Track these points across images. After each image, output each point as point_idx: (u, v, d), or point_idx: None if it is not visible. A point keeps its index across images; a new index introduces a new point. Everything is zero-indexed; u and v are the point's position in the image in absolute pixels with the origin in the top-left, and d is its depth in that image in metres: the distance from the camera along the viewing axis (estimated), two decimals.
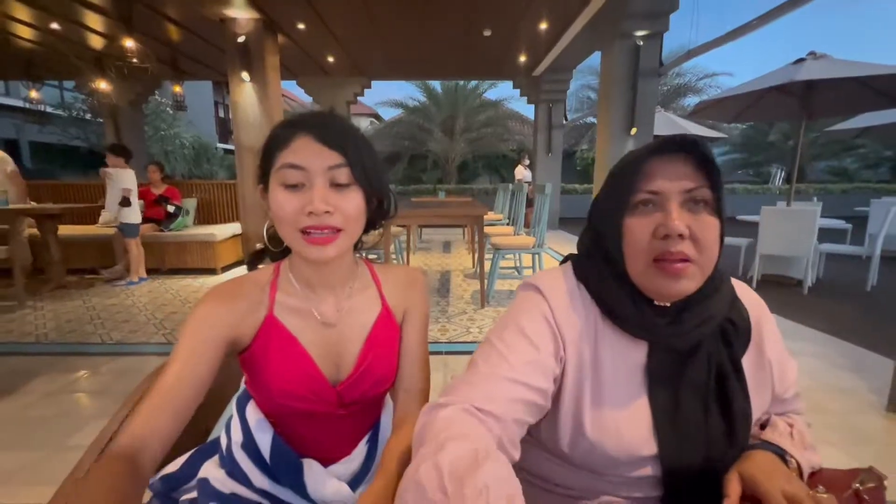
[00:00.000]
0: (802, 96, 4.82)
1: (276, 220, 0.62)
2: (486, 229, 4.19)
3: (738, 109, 5.54)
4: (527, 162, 9.11)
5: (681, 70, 12.53)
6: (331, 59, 6.49)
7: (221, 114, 22.20)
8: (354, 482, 0.70)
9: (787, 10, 3.78)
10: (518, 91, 8.56)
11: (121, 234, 4.03)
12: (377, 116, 20.90)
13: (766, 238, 4.50)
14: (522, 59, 6.73)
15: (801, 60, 4.72)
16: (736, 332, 0.61)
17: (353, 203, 0.62)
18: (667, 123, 7.54)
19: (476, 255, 4.55)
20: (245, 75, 4.71)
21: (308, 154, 0.60)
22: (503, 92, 16.32)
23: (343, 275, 0.70)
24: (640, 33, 4.53)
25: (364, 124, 17.37)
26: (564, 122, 8.62)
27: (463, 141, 12.96)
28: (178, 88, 6.05)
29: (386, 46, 6.05)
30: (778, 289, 4.45)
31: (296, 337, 0.66)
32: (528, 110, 9.13)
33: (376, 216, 0.69)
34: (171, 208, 4.56)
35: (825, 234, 5.92)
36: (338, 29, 5.23)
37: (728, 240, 5.06)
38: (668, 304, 0.58)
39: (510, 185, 5.38)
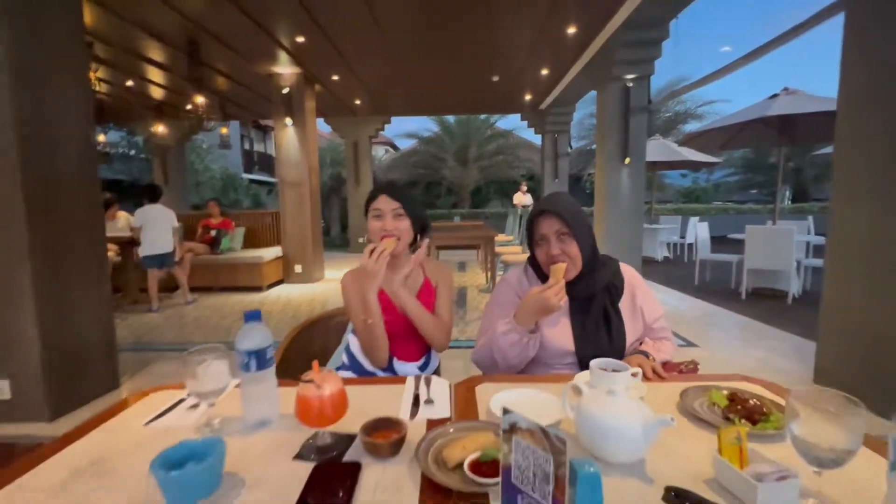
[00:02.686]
0: (780, 127, 5.39)
1: (370, 234, 1.25)
2: (497, 249, 4.78)
3: (724, 139, 6.13)
4: (524, 188, 9.84)
5: (681, 98, 13.23)
6: (357, 102, 7.33)
7: (247, 146, 23.61)
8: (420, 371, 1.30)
9: (769, 49, 4.19)
10: (526, 122, 9.30)
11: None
12: (393, 146, 22.03)
13: (751, 254, 5.00)
14: (528, 97, 7.48)
15: (775, 96, 5.32)
16: (616, 289, 1.20)
17: (404, 225, 1.24)
18: (664, 150, 8.14)
19: (489, 273, 5.13)
20: (288, 120, 5.50)
21: (383, 203, 1.24)
22: (512, 122, 17.18)
23: (401, 263, 1.30)
24: (628, 77, 5.19)
25: (380, 153, 18.35)
26: (569, 150, 9.30)
27: (475, 168, 13.75)
28: (224, 130, 6.91)
29: (406, 90, 6.85)
30: (767, 300, 4.90)
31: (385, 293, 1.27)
32: (536, 137, 9.86)
33: (421, 233, 1.31)
34: (213, 233, 5.30)
35: (819, 250, 6.35)
36: (365, 77, 6.03)
37: (720, 256, 5.57)
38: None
39: (518, 210, 6.00)
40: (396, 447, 0.73)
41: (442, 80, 6.28)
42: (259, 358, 0.83)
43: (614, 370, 0.77)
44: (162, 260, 4.35)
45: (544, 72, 5.99)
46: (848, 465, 0.57)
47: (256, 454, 0.75)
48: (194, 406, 0.94)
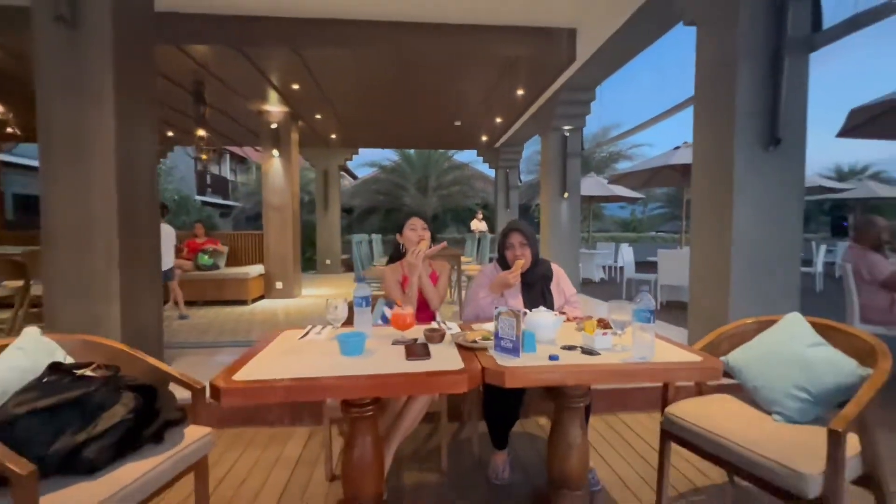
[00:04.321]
0: (682, 171, 6.78)
1: (408, 242, 2.07)
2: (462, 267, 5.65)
3: (643, 180, 7.49)
4: (480, 216, 10.96)
5: (615, 144, 15.20)
6: (333, 136, 8.10)
7: (200, 168, 23.33)
8: None
9: (677, 110, 5.44)
10: (481, 158, 10.45)
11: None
12: (351, 174, 22.76)
13: (663, 273, 6.20)
14: (484, 137, 8.61)
15: (677, 148, 6.73)
16: (548, 277, 2.08)
17: (427, 236, 2.08)
18: (598, 186, 9.53)
19: (456, 287, 5.97)
20: (275, 152, 6.17)
21: (416, 223, 2.08)
22: (468, 156, 18.55)
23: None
24: (566, 127, 6.38)
25: (344, 183, 19.00)
26: (519, 183, 10.51)
27: (434, 197, 14.79)
28: (205, 156, 7.38)
29: (379, 127, 7.73)
30: (676, 308, 6.07)
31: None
32: (490, 170, 11.04)
33: (433, 243, 2.16)
34: (207, 249, 5.82)
35: None
36: (344, 117, 6.84)
37: (642, 275, 6.74)
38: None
39: (476, 235, 6.95)
40: (442, 336, 1.53)
41: (411, 121, 7.23)
42: (366, 301, 1.61)
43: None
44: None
45: (498, 120, 7.11)
46: (628, 330, 1.44)
47: (372, 344, 1.52)
48: (318, 332, 1.68)
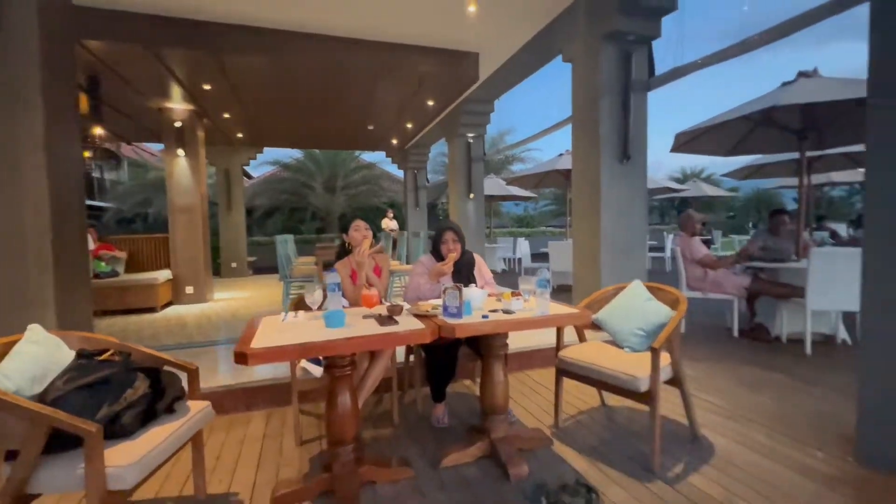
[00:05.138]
0: (566, 174, 7.99)
1: (353, 241, 2.50)
2: None
3: (534, 182, 8.62)
4: (391, 215, 11.43)
5: (509, 144, 16.72)
6: (239, 135, 7.87)
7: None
8: None
9: (561, 126, 6.47)
10: (390, 159, 10.86)
11: None
12: (247, 173, 21.45)
13: (553, 261, 7.30)
14: (394, 140, 9.05)
15: (561, 155, 7.92)
16: (472, 264, 2.66)
17: (370, 235, 2.54)
18: (498, 186, 10.59)
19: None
20: (180, 151, 5.92)
21: (360, 225, 2.52)
22: (377, 156, 18.73)
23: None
24: (469, 135, 7.13)
25: (246, 182, 17.87)
26: (427, 183, 11.15)
27: (343, 196, 14.80)
28: (87, 154, 6.69)
29: (291, 128, 7.72)
30: (564, 292, 7.19)
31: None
32: (398, 170, 11.50)
33: (374, 241, 2.62)
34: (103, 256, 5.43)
35: None
36: (256, 117, 6.77)
37: (536, 264, 7.78)
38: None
39: (387, 233, 7.40)
40: (401, 310, 2.01)
41: (325, 123, 7.39)
42: (337, 286, 2.02)
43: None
44: None
45: (409, 125, 7.63)
46: (532, 298, 2.07)
47: (347, 320, 1.94)
48: (295, 316, 2.04)
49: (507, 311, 2.02)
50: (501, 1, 3.99)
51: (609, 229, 3.80)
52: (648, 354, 2.04)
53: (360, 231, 2.61)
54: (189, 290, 6.03)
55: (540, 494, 1.79)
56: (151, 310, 5.48)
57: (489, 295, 2.42)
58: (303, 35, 4.38)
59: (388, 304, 2.08)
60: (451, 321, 1.85)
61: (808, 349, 3.57)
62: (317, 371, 2.30)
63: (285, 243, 5.62)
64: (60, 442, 1.33)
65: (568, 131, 4.56)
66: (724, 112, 4.04)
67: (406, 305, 2.18)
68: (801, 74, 3.94)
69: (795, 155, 4.55)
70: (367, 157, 16.01)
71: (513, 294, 2.21)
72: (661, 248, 10.61)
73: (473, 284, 2.33)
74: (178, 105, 5.80)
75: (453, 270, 2.56)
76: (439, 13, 4.14)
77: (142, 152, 16.66)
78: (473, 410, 2.74)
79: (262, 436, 2.50)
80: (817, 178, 8.73)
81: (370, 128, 7.58)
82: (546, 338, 3.36)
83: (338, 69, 4.88)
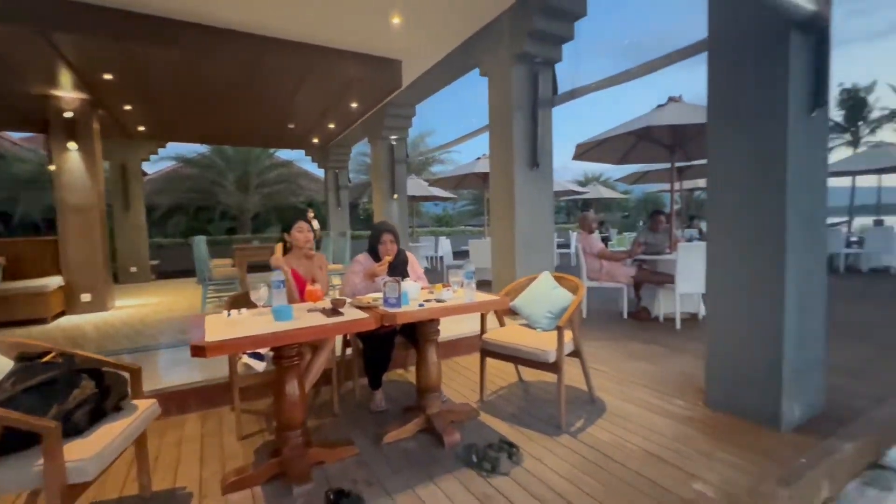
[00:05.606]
0: (484, 177, 8.55)
1: (296, 241, 2.63)
2: None
3: (455, 182, 9.08)
4: (312, 214, 11.23)
5: (428, 146, 17.15)
6: (141, 128, 7.23)
7: None
8: None
9: (479, 133, 6.90)
10: (310, 157, 10.63)
11: None
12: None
13: (473, 258, 7.79)
14: (315, 139, 8.93)
15: (478, 158, 8.46)
16: (406, 262, 2.91)
17: (311, 237, 2.69)
18: (419, 187, 10.91)
19: None
20: (72, 145, 5.35)
21: (303, 226, 2.66)
22: (295, 154, 18.01)
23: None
24: (392, 137, 7.34)
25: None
26: (349, 183, 11.11)
27: (257, 195, 14.08)
28: None
29: (200, 123, 7.27)
30: (484, 287, 7.70)
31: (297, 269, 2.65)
32: (317, 168, 11.28)
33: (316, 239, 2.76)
34: None
35: None
36: (163, 111, 6.30)
37: (458, 262, 8.22)
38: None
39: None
40: (343, 303, 2.21)
41: (242, 120, 7.10)
42: (282, 283, 2.15)
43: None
44: None
45: (332, 125, 7.62)
46: (459, 290, 2.39)
47: (294, 312, 2.09)
48: (239, 313, 2.13)
49: (439, 301, 2.31)
50: (424, 15, 4.28)
51: (523, 228, 4.28)
52: (556, 333, 2.46)
53: (303, 232, 2.72)
54: (86, 297, 5.47)
55: (470, 453, 2.11)
56: (41, 321, 4.90)
57: (422, 288, 2.69)
58: (224, 31, 4.27)
59: (334, 297, 2.26)
60: (392, 310, 2.09)
61: (678, 325, 4.38)
62: (259, 366, 2.39)
63: (201, 245, 5.37)
64: (11, 443, 1.35)
65: (484, 136, 5.01)
66: (614, 128, 4.76)
67: (348, 300, 2.37)
68: (671, 99, 4.77)
69: (668, 165, 5.47)
70: (284, 154, 15.40)
71: (444, 286, 2.51)
72: (567, 245, 11.72)
73: (408, 279, 2.59)
74: (69, 93, 5.24)
75: (390, 267, 2.79)
76: (366, 21, 4.31)
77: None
78: (408, 394, 3.00)
79: (199, 436, 2.52)
80: (689, 184, 10.32)
81: (291, 126, 7.44)
82: (470, 326, 3.73)
83: (260, 67, 4.81)
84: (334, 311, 2.12)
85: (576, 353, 2.68)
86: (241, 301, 2.45)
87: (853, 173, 9.71)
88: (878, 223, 8.74)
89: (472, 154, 8.84)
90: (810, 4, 2.00)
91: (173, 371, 3.14)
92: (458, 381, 3.22)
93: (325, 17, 4.19)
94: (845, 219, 11.99)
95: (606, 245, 9.59)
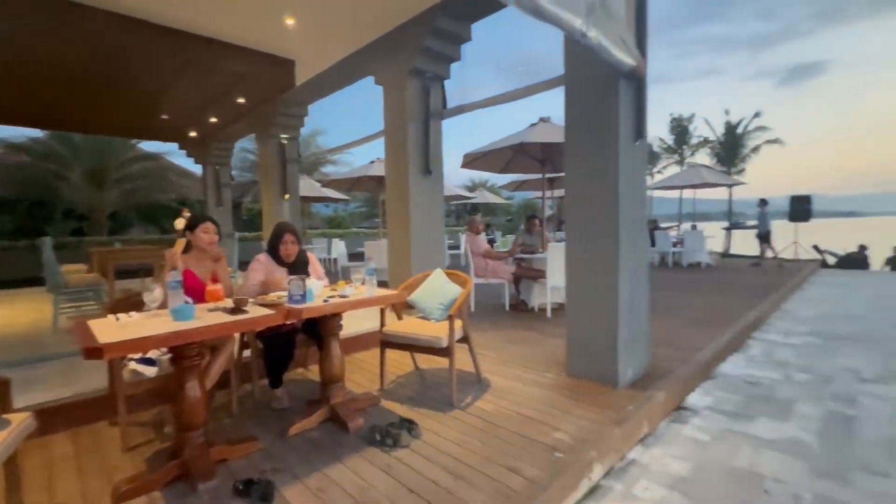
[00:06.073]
0: (378, 180, 8.72)
1: (200, 242, 2.57)
2: None
3: (348, 185, 9.10)
4: (187, 214, 10.29)
5: (320, 147, 16.69)
6: None
7: None
8: None
9: (375, 138, 7.02)
10: (185, 151, 9.67)
11: None
12: None
13: (369, 257, 7.92)
14: (193, 133, 8.18)
15: (372, 162, 8.62)
16: (306, 262, 3.01)
17: (216, 240, 2.65)
18: (312, 188, 10.64)
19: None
20: None
21: (209, 227, 2.61)
22: (167, 146, 16.03)
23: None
24: (283, 136, 7.13)
25: None
26: (231, 181, 10.35)
27: (116, 190, 12.23)
28: None
29: (45, 105, 6.19)
30: (382, 286, 7.88)
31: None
32: (192, 165, 10.28)
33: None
34: None
35: None
36: None
37: (354, 263, 8.26)
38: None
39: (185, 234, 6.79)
40: (246, 302, 2.26)
41: (96, 105, 6.23)
42: (179, 283, 2.13)
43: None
44: None
45: (213, 119, 7.10)
46: (360, 287, 2.60)
47: (195, 312, 2.08)
48: (130, 316, 2.05)
49: (342, 296, 2.48)
50: (318, 20, 4.35)
51: (417, 230, 4.60)
52: (447, 322, 2.80)
53: (209, 233, 2.65)
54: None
55: (374, 433, 2.33)
56: None
57: (325, 286, 2.83)
58: (74, 5, 3.81)
59: (235, 297, 2.28)
60: (297, 306, 2.21)
61: (549, 313, 5.11)
62: (150, 371, 2.30)
63: (48, 248, 4.66)
64: None
65: (379, 141, 5.22)
66: (496, 141, 5.36)
67: (250, 299, 2.41)
68: (542, 120, 5.54)
69: (540, 175, 6.30)
70: (152, 147, 13.62)
71: (346, 283, 2.68)
72: (458, 246, 12.46)
73: (310, 278, 2.70)
74: None
75: (291, 268, 2.86)
76: (259, 18, 4.23)
77: None
78: (310, 391, 3.09)
79: (73, 454, 2.31)
80: (559, 192, 11.77)
81: (164, 117, 6.75)
82: (371, 323, 3.92)
83: (125, 51, 4.37)
84: (237, 310, 2.16)
85: (465, 340, 3.07)
86: (124, 306, 2.32)
87: (680, 187, 12.09)
88: (693, 227, 11.01)
89: (364, 154, 8.99)
90: (630, 61, 2.64)
91: (28, 390, 2.77)
92: (359, 375, 3.39)
93: (214, 9, 4.01)
94: (675, 223, 14.76)
95: (492, 246, 10.48)
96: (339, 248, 8.96)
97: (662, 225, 12.17)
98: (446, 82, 4.78)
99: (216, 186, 9.77)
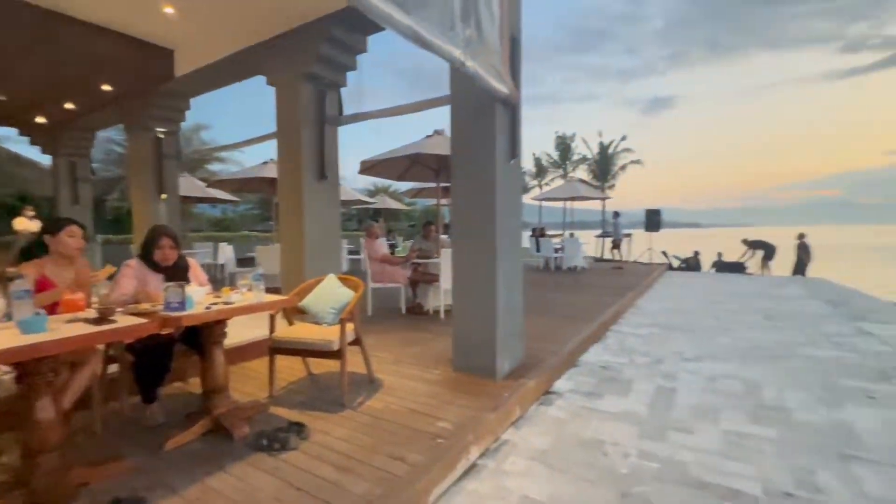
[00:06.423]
0: (270, 182, 8.33)
1: (65, 248, 2.31)
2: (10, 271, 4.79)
3: (236, 186, 8.55)
4: (30, 213, 8.80)
5: (206, 142, 15.28)
6: None
7: None
8: None
9: (267, 139, 6.66)
10: (28, 138, 8.19)
11: None
12: None
13: (262, 265, 7.52)
14: (41, 119, 6.99)
15: (265, 163, 8.22)
16: (187, 268, 2.85)
17: (83, 244, 2.42)
18: (195, 187, 9.74)
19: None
20: None
21: (76, 231, 2.36)
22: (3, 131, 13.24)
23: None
24: (159, 129, 6.48)
25: None
26: (91, 176, 9.03)
27: None
28: None
29: None
30: (274, 293, 7.52)
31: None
32: (42, 155, 8.74)
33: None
34: None
35: None
36: None
37: (243, 269, 7.76)
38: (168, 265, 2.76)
39: (23, 237, 5.81)
40: (112, 311, 2.11)
41: None
42: (28, 293, 1.92)
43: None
44: None
45: (69, 105, 6.17)
46: (247, 293, 2.57)
47: (50, 324, 1.89)
48: None
49: (227, 304, 2.43)
50: (201, 10, 4.12)
51: (311, 235, 4.58)
52: (339, 326, 2.89)
53: (75, 237, 2.39)
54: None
55: (260, 438, 2.33)
56: None
57: (208, 293, 2.73)
58: None
59: (97, 307, 2.11)
60: (176, 314, 2.13)
61: (443, 315, 5.42)
62: None
63: None
64: None
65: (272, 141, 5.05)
66: (392, 150, 5.55)
67: (118, 308, 2.24)
68: (436, 132, 5.87)
69: (435, 184, 6.64)
70: None
71: (231, 289, 2.63)
72: (358, 252, 12.36)
73: (191, 285, 2.58)
74: None
75: (168, 274, 2.70)
76: (130, 1, 3.86)
77: None
78: (190, 405, 2.92)
79: None
80: None
81: (2, 98, 5.69)
82: (262, 332, 3.80)
83: None
84: (102, 319, 2.02)
85: (357, 342, 3.17)
86: None
87: (560, 199, 13.50)
88: (571, 235, 12.39)
89: (256, 155, 8.53)
90: (504, 89, 3.02)
91: None
92: (248, 384, 3.29)
93: None
94: (560, 232, 16.41)
95: (394, 251, 10.62)
96: (226, 252, 8.34)
97: (549, 233, 13.48)
98: (350, 87, 4.84)
99: (71, 181, 8.45)
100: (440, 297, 5.43)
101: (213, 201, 10.86)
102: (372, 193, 22.43)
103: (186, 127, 15.12)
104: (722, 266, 12.88)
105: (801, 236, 12.75)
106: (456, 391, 3.09)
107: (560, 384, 3.64)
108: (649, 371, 3.95)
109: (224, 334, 2.54)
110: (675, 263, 13.35)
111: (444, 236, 6.67)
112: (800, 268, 12.50)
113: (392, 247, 11.97)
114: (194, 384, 3.19)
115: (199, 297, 2.40)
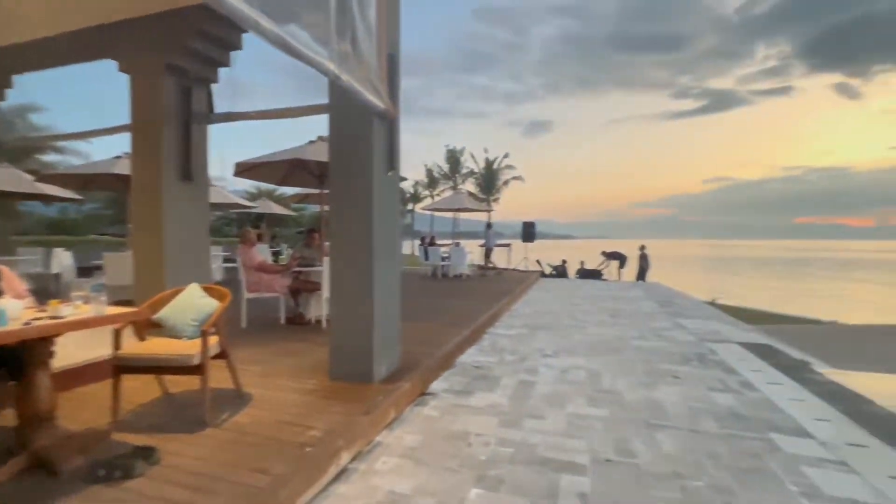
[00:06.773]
0: (125, 180, 7.30)
1: None
2: None
3: (81, 183, 7.33)
4: None
5: (37, 127, 12.69)
6: None
7: None
8: None
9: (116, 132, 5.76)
10: None
11: None
12: None
13: (110, 275, 6.53)
14: None
15: (118, 157, 7.19)
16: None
17: None
18: (20, 182, 8.06)
19: None
20: None
21: None
22: None
23: None
24: None
25: None
26: None
27: None
28: None
29: None
30: (125, 305, 6.56)
31: None
32: None
33: None
34: None
35: None
36: None
37: (86, 280, 6.67)
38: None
39: None
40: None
41: None
42: None
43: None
44: None
45: None
46: (82, 306, 2.28)
47: None
48: None
49: (54, 317, 2.13)
50: None
51: (173, 241, 4.16)
52: (200, 339, 2.70)
53: None
54: None
55: (96, 468, 2.08)
56: None
57: (28, 307, 2.34)
58: None
59: None
60: None
61: (325, 324, 5.32)
62: None
63: None
64: None
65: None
66: (271, 154, 5.32)
67: None
68: (320, 138, 5.77)
69: (318, 190, 6.51)
70: None
71: (60, 302, 2.30)
72: (235, 260, 11.41)
73: (3, 297, 2.19)
74: None
75: None
76: None
77: None
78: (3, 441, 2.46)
79: None
80: None
81: None
82: (103, 350, 3.33)
83: None
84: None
85: (223, 355, 2.99)
86: None
87: (447, 210, 14.12)
88: (457, 244, 13.05)
89: (107, 147, 7.40)
90: (381, 105, 3.16)
91: None
92: (86, 412, 2.86)
93: None
94: (451, 241, 17.09)
95: (277, 258, 10.05)
96: (63, 259, 7.03)
97: (439, 242, 13.99)
98: (226, 84, 4.52)
99: None
100: (323, 305, 5.32)
101: (44, 198, 9.06)
102: (254, 197, 20.83)
103: (6, 107, 12.44)
104: (584, 273, 14.74)
105: (642, 248, 15.22)
106: (330, 399, 3.10)
107: (436, 385, 3.86)
108: (515, 368, 4.39)
109: (51, 354, 2.21)
110: (548, 270, 14.87)
111: (328, 243, 6.56)
112: (641, 274, 14.91)
113: (276, 254, 11.27)
114: (7, 415, 2.69)
115: (15, 312, 2.06)
